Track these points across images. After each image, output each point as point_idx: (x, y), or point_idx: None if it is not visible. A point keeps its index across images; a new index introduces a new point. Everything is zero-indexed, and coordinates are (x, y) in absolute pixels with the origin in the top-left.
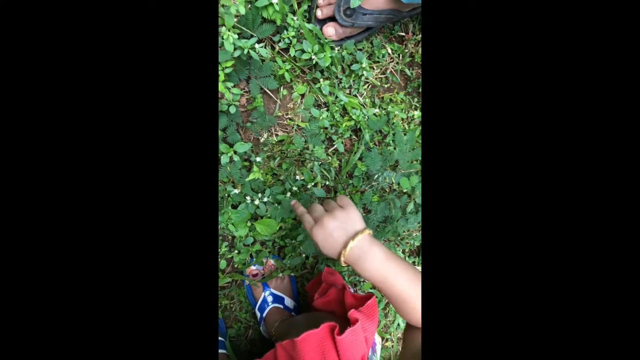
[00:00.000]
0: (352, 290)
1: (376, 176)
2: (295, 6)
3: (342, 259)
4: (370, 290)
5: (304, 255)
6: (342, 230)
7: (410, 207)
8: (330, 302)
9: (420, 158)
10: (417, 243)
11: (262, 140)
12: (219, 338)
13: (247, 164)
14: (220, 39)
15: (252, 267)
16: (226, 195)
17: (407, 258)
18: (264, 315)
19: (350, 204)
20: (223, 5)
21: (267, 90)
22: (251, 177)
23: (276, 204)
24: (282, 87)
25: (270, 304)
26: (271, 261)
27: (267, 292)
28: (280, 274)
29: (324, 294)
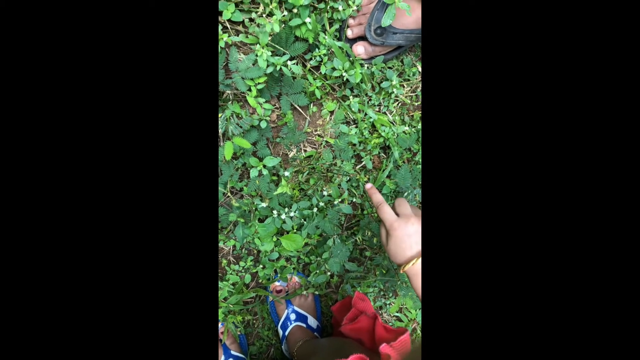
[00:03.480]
0: (383, 321)
1: (405, 193)
2: (327, 25)
3: (407, 266)
4: (397, 314)
5: (328, 273)
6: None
7: None
8: (360, 330)
9: None
10: None
11: (290, 155)
12: (240, 355)
13: (275, 178)
14: (254, 56)
15: (277, 283)
16: (254, 208)
17: None
18: (287, 333)
19: None
20: (258, 24)
21: (297, 107)
22: (279, 190)
23: (303, 220)
24: (311, 104)
25: (293, 322)
26: (295, 278)
27: (290, 310)
28: (305, 292)
29: (353, 319)
